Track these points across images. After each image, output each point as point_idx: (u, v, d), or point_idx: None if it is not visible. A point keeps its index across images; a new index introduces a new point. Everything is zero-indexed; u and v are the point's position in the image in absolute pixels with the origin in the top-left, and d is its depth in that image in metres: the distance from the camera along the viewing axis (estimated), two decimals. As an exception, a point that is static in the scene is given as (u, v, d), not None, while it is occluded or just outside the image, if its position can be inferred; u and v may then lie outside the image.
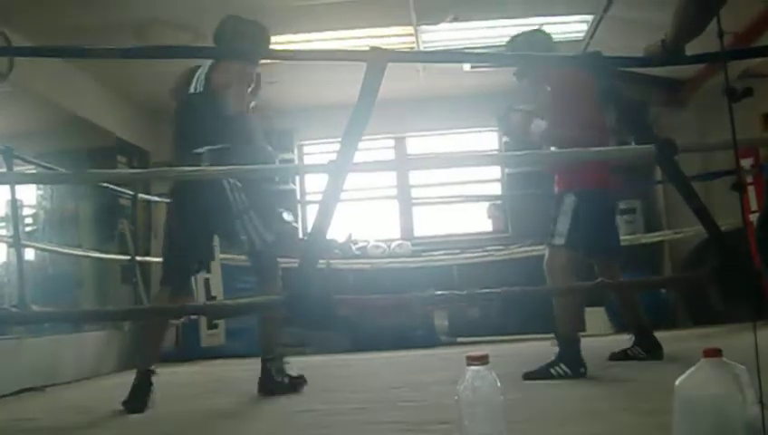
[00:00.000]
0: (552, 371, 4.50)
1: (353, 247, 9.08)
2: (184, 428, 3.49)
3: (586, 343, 7.18)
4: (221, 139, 4.40)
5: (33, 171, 6.05)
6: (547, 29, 7.39)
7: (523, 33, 5.00)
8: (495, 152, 9.69)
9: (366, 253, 8.98)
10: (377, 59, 2.55)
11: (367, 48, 2.55)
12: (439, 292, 3.03)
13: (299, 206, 9.82)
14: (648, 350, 4.88)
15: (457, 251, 8.90)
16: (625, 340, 7.15)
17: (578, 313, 4.83)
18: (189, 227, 4.49)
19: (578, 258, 4.76)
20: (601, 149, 4.34)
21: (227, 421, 3.67)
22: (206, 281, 7.79)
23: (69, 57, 6.04)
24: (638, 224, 8.96)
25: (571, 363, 4.49)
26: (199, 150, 4.38)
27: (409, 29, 7.23)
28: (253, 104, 4.74)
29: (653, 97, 8.87)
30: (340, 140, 2.64)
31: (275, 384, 4.55)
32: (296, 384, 4.65)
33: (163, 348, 4.94)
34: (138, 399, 4.15)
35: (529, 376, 4.49)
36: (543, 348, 6.63)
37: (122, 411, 4.07)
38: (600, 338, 7.74)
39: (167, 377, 6.38)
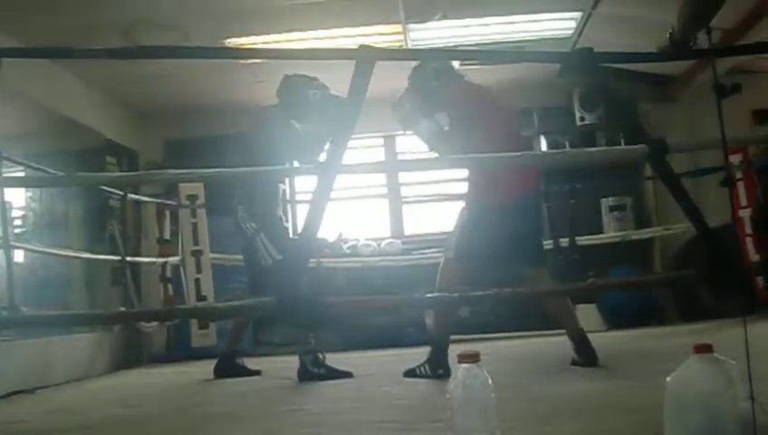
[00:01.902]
0: (418, 370, 4.86)
1: (344, 246, 9.08)
2: (175, 429, 3.48)
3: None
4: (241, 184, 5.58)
5: (22, 173, 6.02)
6: (535, 26, 7.46)
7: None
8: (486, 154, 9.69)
9: (356, 251, 8.98)
10: (365, 57, 2.55)
11: (355, 46, 2.55)
12: (429, 294, 3.03)
13: (289, 205, 9.79)
14: (585, 359, 4.78)
15: (447, 249, 8.91)
16: (619, 336, 7.19)
17: (448, 320, 5.03)
18: None
19: (469, 270, 4.89)
20: (591, 150, 4.36)
21: (219, 422, 3.66)
22: (197, 281, 7.82)
23: (56, 58, 6.01)
24: (628, 220, 8.98)
25: (433, 366, 4.79)
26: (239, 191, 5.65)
27: (398, 27, 7.22)
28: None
29: (642, 93, 8.89)
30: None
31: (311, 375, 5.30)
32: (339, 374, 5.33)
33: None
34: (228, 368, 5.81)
35: (407, 374, 4.89)
36: (534, 345, 6.66)
37: (124, 409, 4.05)
38: (593, 335, 7.78)
39: (157, 378, 6.39)
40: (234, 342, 6.05)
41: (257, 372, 5.96)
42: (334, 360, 5.60)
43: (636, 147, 2.80)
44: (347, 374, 5.31)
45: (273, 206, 5.60)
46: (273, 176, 5.46)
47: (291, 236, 5.83)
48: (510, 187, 4.75)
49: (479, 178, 4.93)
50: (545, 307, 5.24)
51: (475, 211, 4.94)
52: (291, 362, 6.16)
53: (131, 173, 8.37)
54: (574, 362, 4.85)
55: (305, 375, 5.29)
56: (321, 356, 5.40)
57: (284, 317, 2.75)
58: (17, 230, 7.66)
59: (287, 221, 5.84)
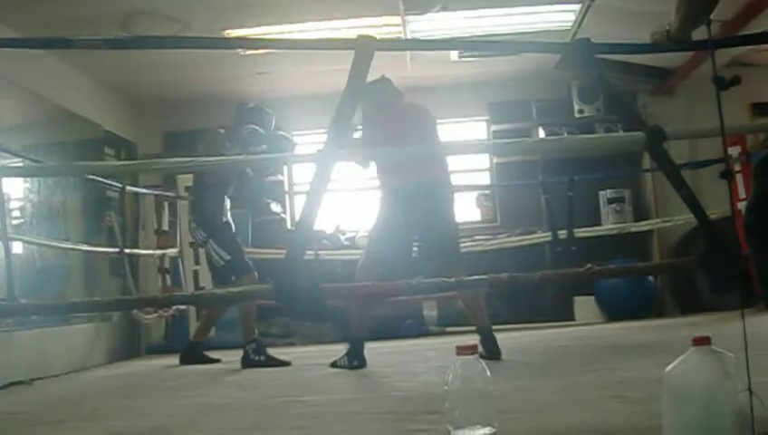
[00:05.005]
0: (339, 362, 5.27)
1: (342, 238, 9.07)
2: (173, 420, 3.47)
3: (575, 332, 7.22)
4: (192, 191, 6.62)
5: (20, 164, 6.01)
6: (534, 18, 7.44)
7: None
8: (482, 141, 9.70)
9: (355, 243, 8.96)
10: (364, 47, 2.55)
11: (354, 36, 2.55)
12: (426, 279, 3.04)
13: (287, 196, 9.79)
14: (489, 353, 4.99)
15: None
16: (617, 328, 7.19)
17: (364, 318, 5.38)
18: None
19: (378, 271, 5.11)
20: (592, 136, 4.37)
21: (217, 414, 3.66)
22: (195, 272, 7.82)
23: (55, 48, 5.99)
24: (626, 212, 8.97)
25: (351, 358, 5.23)
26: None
27: (397, 19, 7.21)
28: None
29: (640, 86, 8.88)
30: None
31: (252, 362, 5.87)
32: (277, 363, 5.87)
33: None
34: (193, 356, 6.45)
35: (332, 365, 5.29)
36: (531, 337, 6.67)
37: (110, 404, 4.05)
38: (591, 327, 7.79)
39: (155, 369, 6.39)
40: (201, 334, 6.65)
41: (217, 361, 6.46)
42: (333, 351, 5.61)
43: (634, 133, 2.80)
44: (285, 363, 5.86)
45: (219, 214, 6.16)
46: (219, 188, 6.12)
47: (237, 238, 6.33)
48: (399, 177, 5.14)
49: (379, 175, 5.40)
50: (460, 301, 5.54)
51: (378, 209, 5.41)
52: (289, 353, 6.18)
53: (129, 162, 8.34)
54: (481, 355, 4.89)
55: (248, 362, 5.89)
56: (262, 345, 6.04)
57: (282, 304, 2.76)
58: (15, 222, 7.64)
59: (233, 227, 6.31)
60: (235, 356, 6.13)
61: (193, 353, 6.49)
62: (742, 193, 7.06)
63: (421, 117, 5.48)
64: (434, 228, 5.22)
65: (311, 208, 2.72)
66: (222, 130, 6.25)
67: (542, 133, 9.31)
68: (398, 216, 5.20)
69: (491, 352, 5.01)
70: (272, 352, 6.04)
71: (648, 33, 2.92)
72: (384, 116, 5.34)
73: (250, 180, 6.49)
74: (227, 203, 6.26)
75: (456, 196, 5.62)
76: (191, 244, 7.79)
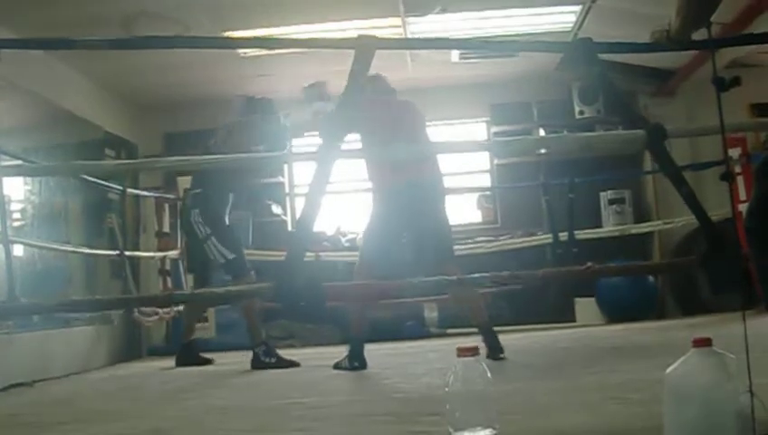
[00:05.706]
0: (341, 363, 5.26)
1: (343, 240, 9.06)
2: (174, 422, 3.47)
3: (575, 333, 7.21)
4: (199, 185, 6.14)
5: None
6: (535, 20, 7.44)
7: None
8: (482, 140, 9.71)
9: (356, 245, 8.96)
10: (365, 46, 2.55)
11: (355, 36, 2.55)
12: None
13: (287, 198, 9.78)
14: (491, 350, 5.03)
15: (447, 242, 8.88)
16: (618, 330, 7.19)
17: (363, 318, 5.39)
18: None
19: (367, 265, 5.26)
20: (592, 134, 4.36)
21: (218, 416, 3.65)
22: (195, 275, 7.79)
23: (57, 49, 6.00)
24: (627, 214, 8.97)
25: (351, 359, 5.23)
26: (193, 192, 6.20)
27: (397, 20, 7.21)
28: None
29: (641, 87, 8.87)
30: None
31: (263, 364, 5.85)
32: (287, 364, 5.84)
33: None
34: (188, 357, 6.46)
35: (335, 366, 5.28)
36: (532, 338, 6.66)
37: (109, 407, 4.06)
38: (592, 328, 7.78)
39: (156, 371, 6.39)
40: (189, 333, 6.64)
41: (210, 361, 6.52)
42: (333, 353, 5.61)
43: (635, 132, 2.80)
44: (294, 364, 5.85)
45: (222, 212, 6.12)
46: (225, 184, 6.05)
47: (237, 238, 6.33)
48: (392, 176, 5.15)
49: (371, 175, 5.38)
50: (459, 298, 5.55)
51: (370, 210, 5.46)
52: (290, 355, 6.18)
53: (129, 161, 8.34)
54: (487, 355, 5.00)
55: (258, 364, 5.86)
56: (272, 347, 6.06)
57: (283, 304, 2.76)
58: (16, 224, 7.64)
59: (230, 226, 6.28)
60: (234, 358, 6.13)
61: (188, 355, 6.51)
62: (743, 195, 7.06)
63: (412, 114, 5.54)
64: (426, 227, 5.25)
65: (311, 206, 2.72)
66: (220, 127, 6.28)
67: (542, 134, 9.32)
68: (391, 215, 5.23)
69: (493, 349, 5.01)
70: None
71: (649, 34, 2.92)
72: (380, 113, 5.35)
73: (249, 174, 6.51)
74: (231, 200, 6.24)
75: (448, 194, 5.68)
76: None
